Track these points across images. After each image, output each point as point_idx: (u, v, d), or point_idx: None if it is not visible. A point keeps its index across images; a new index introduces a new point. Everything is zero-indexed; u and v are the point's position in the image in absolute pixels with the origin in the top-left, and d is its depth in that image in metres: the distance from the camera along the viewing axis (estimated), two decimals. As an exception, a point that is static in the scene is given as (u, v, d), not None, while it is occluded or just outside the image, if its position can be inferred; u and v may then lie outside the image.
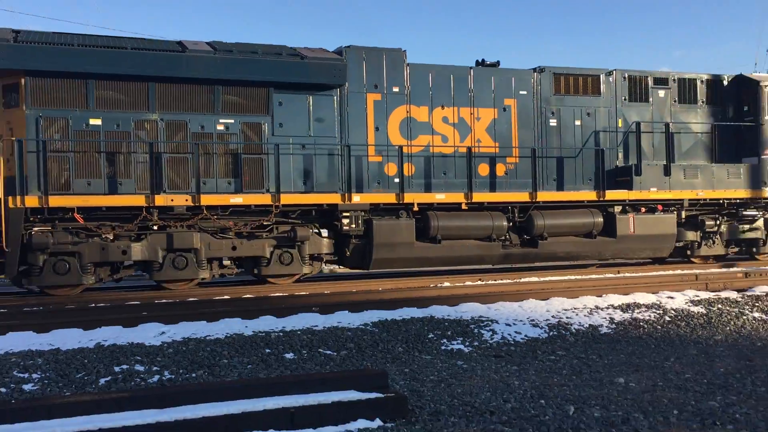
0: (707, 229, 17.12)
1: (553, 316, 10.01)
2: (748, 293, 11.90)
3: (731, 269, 15.47)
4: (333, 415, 5.34)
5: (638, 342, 9.11)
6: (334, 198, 13.98)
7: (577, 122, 16.25)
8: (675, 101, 17.15)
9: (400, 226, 14.31)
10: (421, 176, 14.95)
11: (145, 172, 13.08)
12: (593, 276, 14.67)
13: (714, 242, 17.38)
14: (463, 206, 14.88)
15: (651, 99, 16.91)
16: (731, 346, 8.95)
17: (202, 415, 5.06)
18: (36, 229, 12.38)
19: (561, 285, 12.87)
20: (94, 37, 12.98)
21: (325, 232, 14.29)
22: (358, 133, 14.48)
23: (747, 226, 17.69)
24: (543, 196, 15.42)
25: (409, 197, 14.39)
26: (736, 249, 18.14)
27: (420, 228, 14.52)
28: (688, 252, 17.35)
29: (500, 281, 13.77)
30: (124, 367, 7.48)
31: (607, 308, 10.59)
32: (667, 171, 16.35)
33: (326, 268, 16.44)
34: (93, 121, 12.84)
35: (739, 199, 17.19)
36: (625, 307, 10.64)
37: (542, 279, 14.02)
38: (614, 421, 5.55)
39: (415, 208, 14.47)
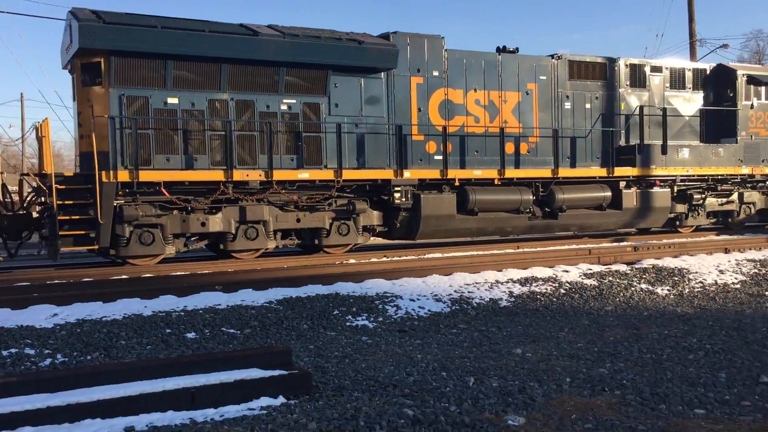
0: (694, 202, 19.20)
1: (455, 291, 10.36)
2: (637, 266, 12.64)
3: (621, 243, 16.45)
4: (235, 394, 5.27)
5: (535, 314, 9.47)
6: (388, 174, 15.14)
7: (588, 105, 17.90)
8: (667, 87, 19.07)
9: (443, 200, 15.62)
10: (457, 154, 16.25)
11: (219, 148, 13.87)
12: (494, 251, 15.07)
13: (699, 214, 19.50)
14: (496, 181, 16.32)
15: (648, 85, 18.76)
16: (620, 316, 9.42)
17: (96, 398, 4.87)
18: (122, 201, 13.04)
19: (464, 260, 13.17)
20: (174, 20, 13.59)
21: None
22: (403, 114, 15.64)
23: (725, 200, 19.91)
24: (563, 172, 17.03)
25: (451, 173, 15.71)
26: (714, 220, 20.36)
27: (459, 201, 15.87)
28: (677, 222, 19.43)
29: (405, 257, 14.09)
30: (13, 350, 7.22)
31: (507, 282, 11.02)
32: (664, 150, 18.25)
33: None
34: (171, 100, 13.52)
35: (720, 175, 19.34)
36: (524, 281, 11.10)
37: (446, 255, 14.44)
38: (511, 390, 5.72)
39: (456, 183, 15.81)
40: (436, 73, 16.00)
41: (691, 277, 12.09)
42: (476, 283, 10.93)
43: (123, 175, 12.80)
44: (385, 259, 13.89)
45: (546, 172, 16.90)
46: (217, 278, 11.39)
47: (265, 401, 5.30)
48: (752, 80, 19.75)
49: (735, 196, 20.02)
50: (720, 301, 10.76)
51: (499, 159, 16.38)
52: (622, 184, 17.96)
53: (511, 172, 16.46)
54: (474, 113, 16.47)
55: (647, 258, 13.57)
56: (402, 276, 11.20)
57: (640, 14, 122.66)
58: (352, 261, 13.61)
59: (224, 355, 6.14)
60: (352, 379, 6.18)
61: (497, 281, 11.07)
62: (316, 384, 5.95)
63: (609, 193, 17.59)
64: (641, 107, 18.19)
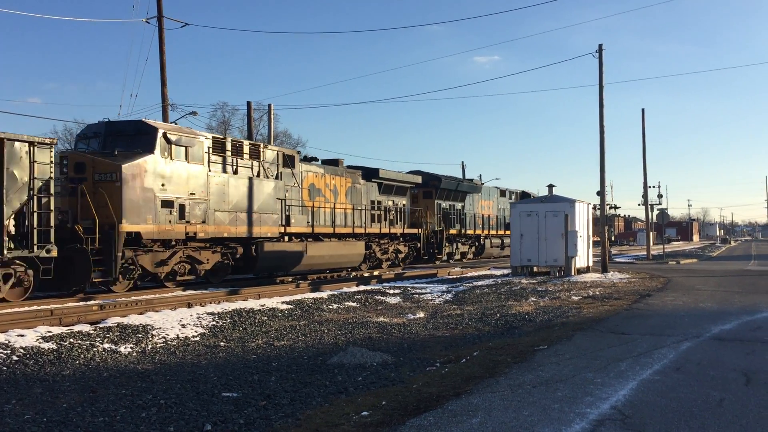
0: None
1: None
2: (101, 325, 12.32)
3: (87, 303, 16.11)
4: None
5: (-23, 388, 8.29)
6: (481, 231, 41.08)
7: (500, 207, 46.02)
8: (506, 198, 48.29)
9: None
10: (480, 224, 42.71)
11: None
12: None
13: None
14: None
15: (504, 197, 47.72)
16: (78, 379, 8.90)
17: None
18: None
19: None
20: (450, 175, 37.57)
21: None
22: (476, 209, 41.57)
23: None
24: (491, 233, 44.99)
25: (483, 232, 42.45)
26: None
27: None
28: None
29: None
30: None
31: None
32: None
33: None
34: (444, 204, 37.33)
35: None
36: (-39, 351, 9.74)
37: None
38: None
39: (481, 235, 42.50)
40: (480, 194, 42.35)
41: (155, 333, 12.03)
42: None
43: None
44: None
45: (479, 231, 44.67)
46: None
47: None
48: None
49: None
50: (180, 354, 10.69)
51: (481, 225, 43.51)
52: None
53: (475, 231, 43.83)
54: (486, 208, 43.19)
55: (113, 316, 13.36)
56: None
57: (115, 73, 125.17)
58: None
59: None
60: None
61: None
62: None
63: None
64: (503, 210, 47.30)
